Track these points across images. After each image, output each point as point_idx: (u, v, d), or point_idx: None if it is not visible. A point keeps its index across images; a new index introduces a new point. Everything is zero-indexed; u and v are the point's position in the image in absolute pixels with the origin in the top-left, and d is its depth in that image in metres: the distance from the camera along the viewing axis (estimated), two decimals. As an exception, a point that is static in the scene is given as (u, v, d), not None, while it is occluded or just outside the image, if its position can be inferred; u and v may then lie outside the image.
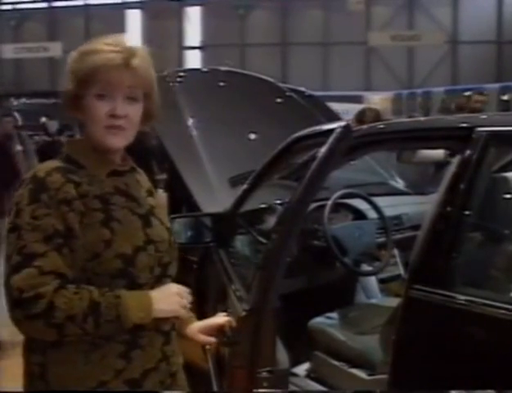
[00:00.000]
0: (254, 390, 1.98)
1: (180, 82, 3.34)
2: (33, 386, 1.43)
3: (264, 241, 2.50)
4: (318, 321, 2.76)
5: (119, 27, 25.33)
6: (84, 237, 1.38)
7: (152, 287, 1.45)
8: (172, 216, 2.62)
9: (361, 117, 4.75)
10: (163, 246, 1.50)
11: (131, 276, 1.41)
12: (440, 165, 3.56)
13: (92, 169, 1.45)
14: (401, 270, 3.25)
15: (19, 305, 1.32)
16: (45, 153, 7.11)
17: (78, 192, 1.39)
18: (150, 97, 1.49)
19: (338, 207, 3.06)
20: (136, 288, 1.42)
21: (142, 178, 1.59)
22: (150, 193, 1.58)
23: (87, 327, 1.34)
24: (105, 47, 1.42)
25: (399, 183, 3.75)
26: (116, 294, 1.37)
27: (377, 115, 4.81)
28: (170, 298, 1.46)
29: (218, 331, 1.72)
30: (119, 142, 1.46)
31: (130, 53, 1.42)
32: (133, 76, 1.43)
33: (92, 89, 1.42)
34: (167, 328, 1.49)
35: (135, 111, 1.46)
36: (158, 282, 1.47)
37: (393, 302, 2.48)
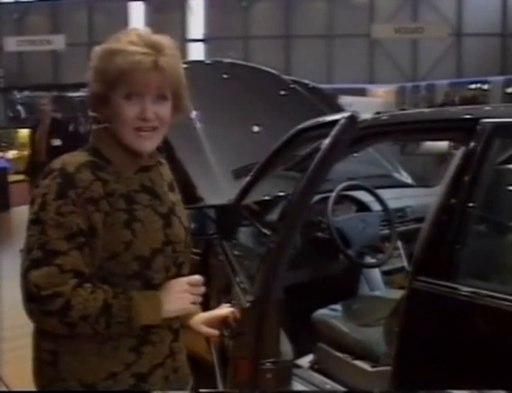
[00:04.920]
0: (258, 382, 1.99)
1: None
2: (43, 372, 1.44)
3: (268, 232, 2.50)
4: (322, 313, 2.77)
5: (122, 20, 25.31)
6: (105, 236, 1.37)
7: None
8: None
9: None
10: (180, 247, 1.49)
11: (146, 277, 1.42)
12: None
13: (120, 166, 1.43)
14: (404, 262, 3.25)
15: (35, 301, 1.33)
16: None
17: (105, 191, 1.37)
18: (179, 93, 1.46)
19: (342, 199, 3.06)
20: (150, 288, 1.43)
21: (165, 170, 1.58)
22: (172, 187, 1.57)
23: (99, 327, 1.35)
24: (131, 47, 1.38)
25: (403, 176, 3.74)
26: (129, 296, 1.38)
27: None
28: (179, 296, 1.46)
29: (222, 322, 1.72)
30: (150, 145, 1.44)
31: (158, 53, 1.39)
32: (162, 76, 1.40)
33: (119, 90, 1.39)
34: (176, 326, 1.52)
35: (165, 110, 1.44)
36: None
37: (397, 294, 2.47)
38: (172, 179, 1.59)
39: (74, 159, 1.40)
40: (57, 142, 6.67)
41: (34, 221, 1.36)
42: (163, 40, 1.42)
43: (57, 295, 1.32)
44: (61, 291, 1.32)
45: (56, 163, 1.40)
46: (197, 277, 1.50)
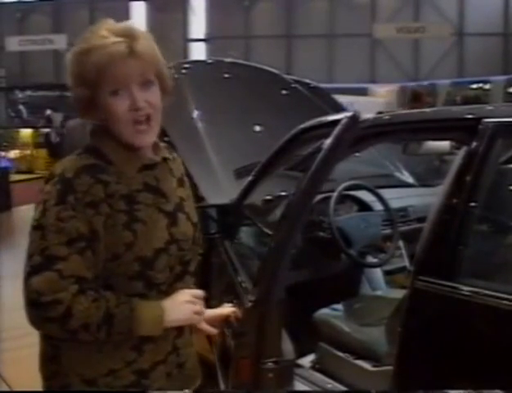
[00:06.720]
0: (259, 381, 1.98)
1: (185, 74, 3.32)
2: (45, 367, 1.46)
3: (270, 232, 2.50)
4: (323, 312, 2.77)
5: (124, 19, 25.21)
6: (106, 238, 1.37)
7: (171, 285, 1.45)
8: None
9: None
10: (187, 244, 1.48)
11: (148, 277, 1.41)
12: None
13: (121, 166, 1.42)
14: (406, 262, 3.25)
15: (36, 307, 1.33)
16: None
17: (105, 193, 1.36)
18: (161, 73, 1.45)
19: (343, 199, 3.06)
20: (153, 288, 1.42)
21: (176, 165, 1.56)
22: (181, 183, 1.56)
23: (99, 335, 1.35)
24: (103, 41, 1.36)
25: (405, 175, 3.74)
26: (132, 306, 1.38)
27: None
28: (182, 307, 1.46)
29: (224, 322, 1.73)
30: (149, 138, 1.43)
31: (131, 39, 1.37)
32: (141, 62, 1.38)
33: (104, 88, 1.37)
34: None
35: (154, 95, 1.42)
36: (177, 280, 1.47)
37: (399, 294, 2.47)
38: (183, 174, 1.58)
39: (74, 163, 1.39)
40: None
41: (35, 227, 1.36)
42: (131, 26, 1.41)
43: (57, 302, 1.32)
44: (62, 298, 1.32)
45: (57, 167, 1.40)
46: (199, 292, 1.51)
